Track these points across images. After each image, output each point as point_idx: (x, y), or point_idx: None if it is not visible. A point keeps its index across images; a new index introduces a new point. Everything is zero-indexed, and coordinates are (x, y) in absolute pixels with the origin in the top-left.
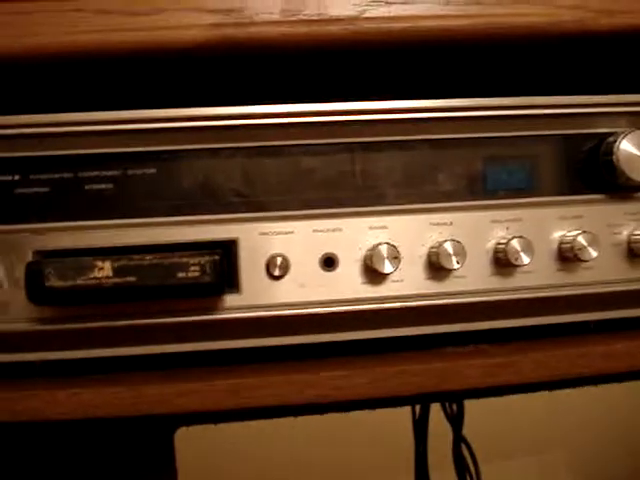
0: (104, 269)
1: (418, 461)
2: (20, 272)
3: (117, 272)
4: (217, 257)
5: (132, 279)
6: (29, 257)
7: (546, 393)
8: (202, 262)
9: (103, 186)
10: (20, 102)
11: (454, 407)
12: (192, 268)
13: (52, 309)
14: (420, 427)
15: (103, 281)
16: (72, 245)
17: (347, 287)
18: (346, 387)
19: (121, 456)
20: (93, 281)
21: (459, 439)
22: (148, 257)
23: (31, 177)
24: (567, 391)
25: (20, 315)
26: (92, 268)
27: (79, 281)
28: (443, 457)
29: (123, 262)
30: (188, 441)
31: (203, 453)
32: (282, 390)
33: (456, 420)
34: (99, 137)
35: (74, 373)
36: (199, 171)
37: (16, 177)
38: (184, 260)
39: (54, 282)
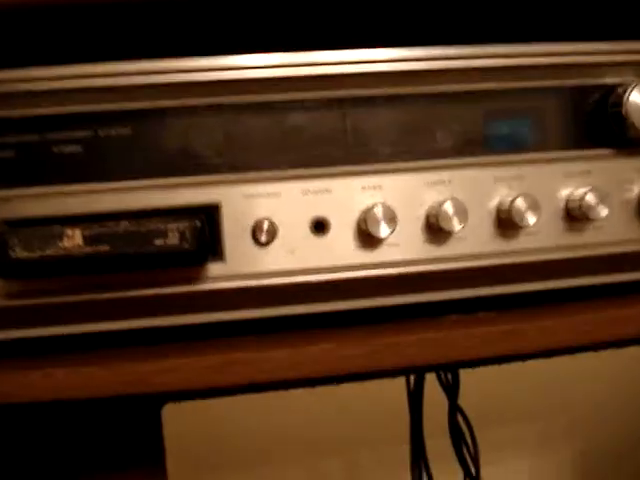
0: (74, 238)
1: (413, 431)
2: None
3: (88, 241)
4: (198, 222)
5: (105, 248)
6: None
7: (544, 359)
8: (181, 228)
9: (72, 149)
10: None
11: (449, 376)
12: (171, 235)
13: (19, 283)
14: (415, 397)
15: (73, 251)
16: (40, 213)
17: (340, 253)
18: (339, 361)
19: (102, 433)
20: (62, 251)
21: (454, 408)
22: (122, 224)
23: None
24: (567, 357)
25: None
26: (61, 237)
27: (47, 251)
28: (439, 426)
29: (95, 230)
30: (177, 416)
31: (193, 427)
32: (272, 365)
33: (451, 389)
34: (66, 95)
35: (46, 352)
36: (177, 130)
37: None
38: (162, 226)
39: (20, 253)
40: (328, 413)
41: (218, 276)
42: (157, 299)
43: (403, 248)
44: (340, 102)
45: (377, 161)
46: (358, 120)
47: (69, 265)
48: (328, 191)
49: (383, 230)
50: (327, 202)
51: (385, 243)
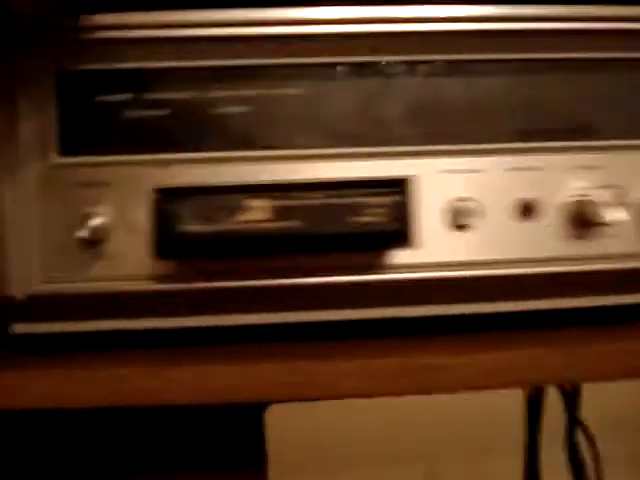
0: (262, 210)
1: (528, 442)
2: (138, 214)
3: (277, 214)
4: (402, 198)
5: (296, 224)
6: (149, 196)
7: None
8: (387, 203)
9: (240, 109)
10: None
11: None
12: (373, 211)
13: (176, 263)
14: (534, 406)
15: (259, 225)
16: (206, 182)
17: (547, 242)
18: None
19: (202, 434)
20: (244, 226)
21: (573, 420)
22: (317, 195)
23: (152, 96)
24: None
25: (138, 271)
26: (242, 209)
27: (226, 225)
28: (555, 438)
29: (284, 201)
30: (282, 417)
31: (296, 430)
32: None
33: (571, 400)
34: (238, 45)
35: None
36: (365, 92)
37: (133, 95)
38: (363, 200)
39: (188, 227)
40: (438, 420)
41: (404, 264)
42: (327, 289)
43: (622, 240)
44: (557, 65)
45: (596, 136)
46: (577, 87)
47: (250, 243)
48: (537, 169)
49: (602, 217)
50: (536, 182)
51: (601, 233)
